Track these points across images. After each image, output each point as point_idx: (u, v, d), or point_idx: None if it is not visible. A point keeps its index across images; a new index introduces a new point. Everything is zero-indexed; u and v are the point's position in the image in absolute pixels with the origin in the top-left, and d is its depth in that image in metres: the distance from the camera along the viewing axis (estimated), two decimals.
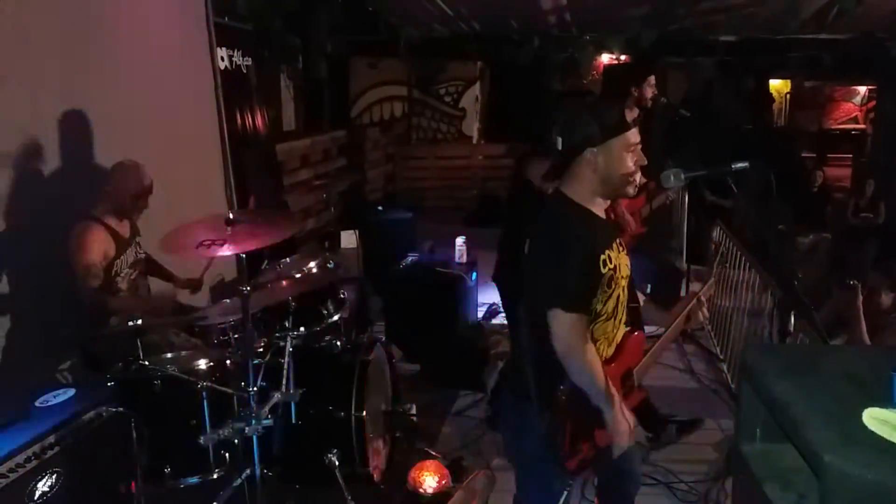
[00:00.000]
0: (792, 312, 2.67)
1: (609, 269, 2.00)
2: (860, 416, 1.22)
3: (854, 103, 16.44)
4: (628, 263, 2.15)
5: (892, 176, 8.89)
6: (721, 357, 4.96)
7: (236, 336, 3.14)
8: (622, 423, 1.97)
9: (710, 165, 2.39)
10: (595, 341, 2.07)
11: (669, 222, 6.22)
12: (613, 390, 1.98)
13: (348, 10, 8.34)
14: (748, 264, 4.75)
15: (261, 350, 3.16)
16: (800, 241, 7.74)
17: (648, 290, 3.38)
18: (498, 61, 10.07)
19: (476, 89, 10.96)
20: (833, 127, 16.39)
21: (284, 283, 3.32)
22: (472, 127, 11.11)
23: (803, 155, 11.86)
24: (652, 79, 4.10)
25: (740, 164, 2.27)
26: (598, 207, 2.09)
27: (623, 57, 9.11)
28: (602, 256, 1.99)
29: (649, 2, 7.08)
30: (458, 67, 10.74)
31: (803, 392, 1.30)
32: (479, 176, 10.74)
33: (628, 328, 2.19)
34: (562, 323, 1.94)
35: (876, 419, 1.21)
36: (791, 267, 5.02)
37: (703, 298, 2.34)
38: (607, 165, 2.00)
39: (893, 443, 1.17)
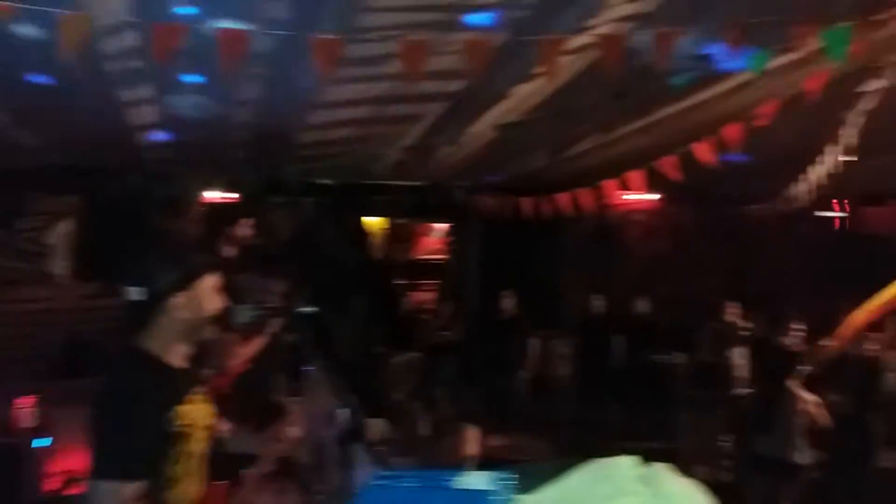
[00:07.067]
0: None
1: (182, 425, 1.89)
2: None
3: (436, 237, 19.17)
4: (212, 411, 2.06)
5: (463, 298, 10.48)
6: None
7: None
8: None
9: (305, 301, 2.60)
10: None
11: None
12: None
13: None
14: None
15: None
16: (394, 361, 8.50)
17: None
18: (93, 195, 9.46)
19: (66, 225, 10.02)
20: (420, 258, 18.82)
21: None
22: (60, 265, 10.04)
23: (397, 282, 13.32)
24: (248, 220, 4.26)
25: (308, 308, 2.51)
26: (177, 356, 1.98)
27: (227, 195, 9.30)
28: (170, 415, 1.87)
29: (246, 148, 7.44)
30: (45, 201, 9.76)
31: None
32: (66, 319, 9.56)
33: (209, 481, 2.07)
34: (115, 496, 1.74)
35: None
36: (376, 385, 5.45)
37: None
38: (193, 310, 1.94)
39: None
